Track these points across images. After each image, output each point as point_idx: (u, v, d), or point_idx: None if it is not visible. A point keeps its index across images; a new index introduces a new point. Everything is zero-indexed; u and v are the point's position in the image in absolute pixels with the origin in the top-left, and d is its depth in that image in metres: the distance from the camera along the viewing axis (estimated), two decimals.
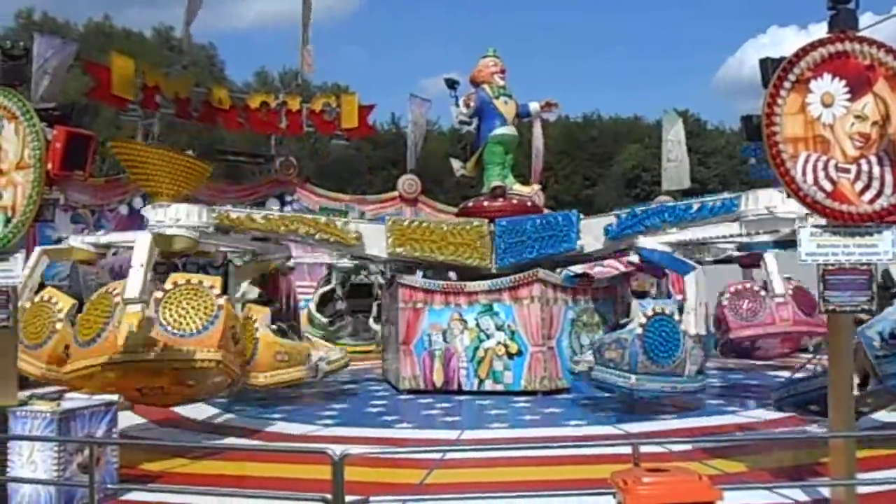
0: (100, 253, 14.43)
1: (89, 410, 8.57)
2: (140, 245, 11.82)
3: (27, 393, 9.06)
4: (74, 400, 8.78)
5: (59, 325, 12.41)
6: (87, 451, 7.92)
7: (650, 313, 12.42)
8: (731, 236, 13.16)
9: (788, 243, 10.95)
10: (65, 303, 12.72)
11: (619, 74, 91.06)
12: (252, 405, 14.02)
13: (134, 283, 11.06)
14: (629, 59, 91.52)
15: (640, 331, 12.31)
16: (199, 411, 13.27)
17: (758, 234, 12.59)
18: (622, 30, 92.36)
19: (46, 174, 8.76)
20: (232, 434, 11.74)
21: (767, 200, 11.58)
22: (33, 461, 8.02)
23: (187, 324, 10.78)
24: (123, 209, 23.16)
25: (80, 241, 14.05)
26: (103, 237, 14.71)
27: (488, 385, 15.01)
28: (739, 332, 17.88)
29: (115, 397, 9.05)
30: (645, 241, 13.85)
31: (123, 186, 23.34)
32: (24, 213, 8.70)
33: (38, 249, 13.25)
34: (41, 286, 13.54)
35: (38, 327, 12.49)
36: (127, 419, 11.69)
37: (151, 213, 12.79)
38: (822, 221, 7.52)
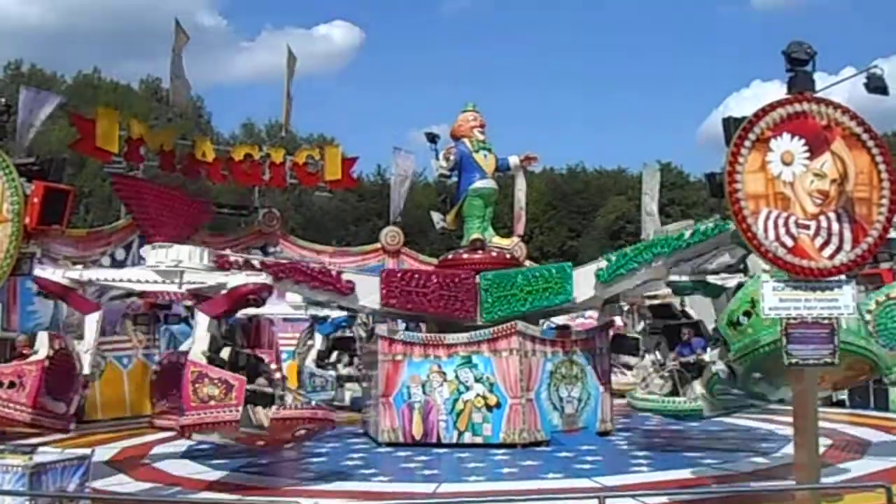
0: None
1: (61, 464, 8.55)
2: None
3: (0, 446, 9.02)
4: (47, 454, 8.77)
5: None
6: None
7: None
8: None
9: None
10: None
11: (605, 127, 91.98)
12: (232, 459, 13.98)
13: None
14: (615, 112, 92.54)
15: None
16: (176, 465, 13.22)
17: None
18: (608, 83, 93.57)
19: (24, 228, 8.87)
20: (207, 489, 11.69)
21: None
22: None
23: None
24: (105, 260, 23.10)
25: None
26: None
27: (467, 437, 15.02)
28: None
29: (87, 451, 9.03)
30: None
31: (105, 238, 23.35)
32: (1, 266, 8.79)
33: None
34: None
35: None
36: (102, 472, 11.64)
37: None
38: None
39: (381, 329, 16.31)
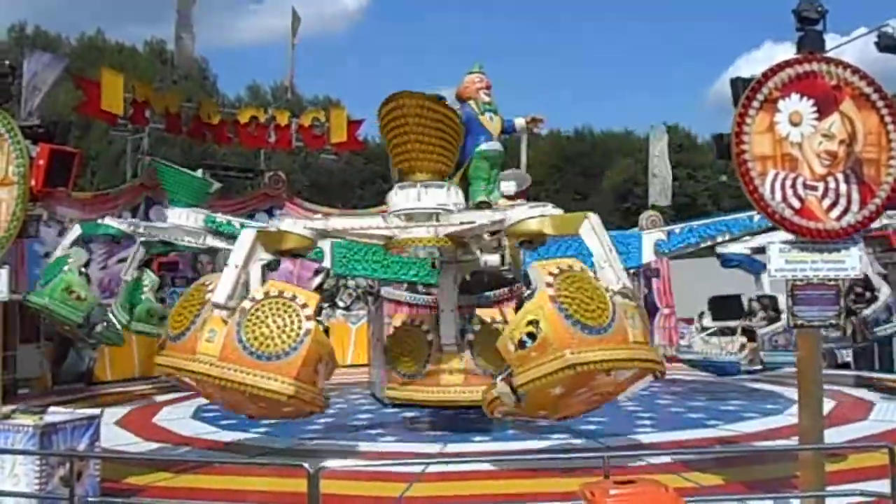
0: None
1: (71, 424, 8.61)
2: (240, 242, 10.05)
3: (10, 407, 9.10)
4: (57, 414, 8.85)
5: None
6: (68, 465, 7.98)
7: None
8: None
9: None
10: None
11: (612, 88, 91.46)
12: (240, 420, 14.07)
13: (224, 285, 9.48)
14: (623, 73, 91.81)
15: None
16: (183, 425, 13.34)
17: None
18: (616, 43, 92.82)
19: (30, 191, 8.89)
20: (214, 448, 11.81)
21: None
22: (15, 474, 8.08)
23: (268, 345, 9.07)
24: None
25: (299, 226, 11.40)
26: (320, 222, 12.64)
27: None
28: None
29: (96, 411, 9.11)
30: None
31: (112, 201, 23.31)
32: (7, 229, 8.81)
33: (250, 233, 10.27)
34: None
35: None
36: (111, 433, 11.75)
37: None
38: None
39: (386, 291, 16.36)
